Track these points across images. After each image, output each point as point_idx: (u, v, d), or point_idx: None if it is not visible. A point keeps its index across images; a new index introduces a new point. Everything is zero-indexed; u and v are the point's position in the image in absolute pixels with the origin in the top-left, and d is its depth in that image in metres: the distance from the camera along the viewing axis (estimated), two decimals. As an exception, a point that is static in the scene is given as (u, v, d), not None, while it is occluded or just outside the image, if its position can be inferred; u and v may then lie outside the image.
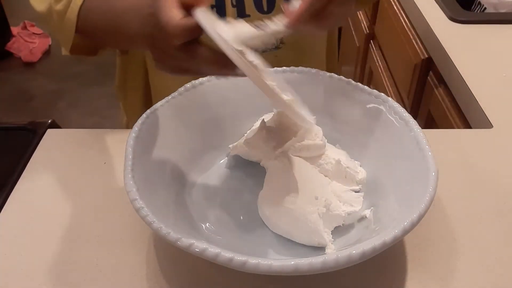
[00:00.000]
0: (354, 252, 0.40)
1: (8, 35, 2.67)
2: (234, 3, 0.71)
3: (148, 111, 0.56)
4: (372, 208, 0.53)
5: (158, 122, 0.56)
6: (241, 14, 0.72)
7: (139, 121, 0.54)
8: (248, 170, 0.60)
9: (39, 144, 0.68)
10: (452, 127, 0.88)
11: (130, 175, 0.48)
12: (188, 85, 0.60)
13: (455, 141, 0.69)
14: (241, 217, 0.55)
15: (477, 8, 1.14)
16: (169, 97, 0.58)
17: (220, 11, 0.71)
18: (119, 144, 0.68)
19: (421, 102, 1.09)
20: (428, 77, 1.05)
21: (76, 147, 0.68)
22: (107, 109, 2.28)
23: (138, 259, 0.52)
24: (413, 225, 0.43)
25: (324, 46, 0.84)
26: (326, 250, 0.49)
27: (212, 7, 0.70)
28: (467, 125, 0.82)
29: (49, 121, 0.72)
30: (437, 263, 0.52)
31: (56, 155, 0.67)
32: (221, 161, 0.62)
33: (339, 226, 0.52)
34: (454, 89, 0.90)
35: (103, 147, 0.68)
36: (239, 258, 0.40)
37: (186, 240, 0.42)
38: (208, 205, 0.56)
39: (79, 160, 0.66)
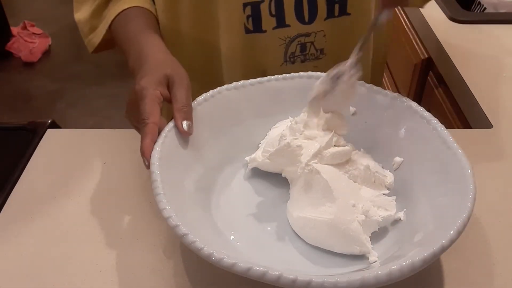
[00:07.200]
0: (404, 263, 0.40)
1: (8, 35, 2.67)
2: (273, 12, 0.68)
3: (166, 129, 0.54)
4: (404, 210, 0.53)
5: (175, 141, 0.54)
6: (281, 23, 0.69)
7: (159, 141, 0.52)
8: (268, 181, 0.59)
9: (39, 144, 0.68)
10: (452, 127, 0.88)
11: (161, 193, 0.47)
12: (199, 98, 0.59)
13: (455, 141, 0.69)
14: (268, 228, 0.54)
15: (477, 8, 1.14)
16: None
17: (256, 21, 0.68)
18: (119, 144, 0.68)
19: (421, 102, 1.09)
20: (428, 77, 1.05)
21: (76, 147, 0.68)
22: (107, 109, 2.27)
23: (138, 259, 0.52)
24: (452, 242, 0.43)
25: (368, 59, 0.80)
26: (369, 258, 0.49)
27: (248, 17, 0.68)
28: (467, 125, 0.82)
29: (49, 121, 0.72)
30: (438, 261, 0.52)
31: (56, 155, 0.67)
32: (239, 174, 0.60)
33: (375, 231, 0.51)
34: (454, 89, 0.90)
35: (103, 147, 0.68)
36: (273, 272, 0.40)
37: (229, 261, 0.41)
38: (234, 219, 0.54)
39: (79, 160, 0.66)
